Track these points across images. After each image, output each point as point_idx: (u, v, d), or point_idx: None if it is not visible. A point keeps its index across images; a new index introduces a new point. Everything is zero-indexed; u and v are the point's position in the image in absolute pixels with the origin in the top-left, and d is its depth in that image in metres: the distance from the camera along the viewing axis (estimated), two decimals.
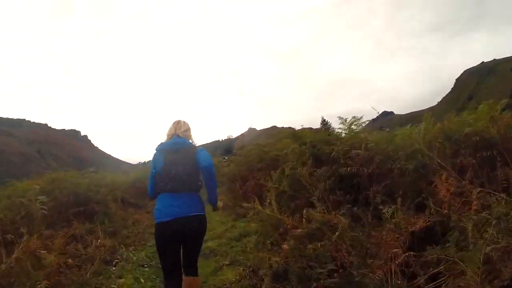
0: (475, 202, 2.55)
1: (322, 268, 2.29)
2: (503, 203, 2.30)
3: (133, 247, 4.94)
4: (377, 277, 2.12)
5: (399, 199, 2.79)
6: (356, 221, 3.00)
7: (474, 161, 3.01)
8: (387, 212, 2.71)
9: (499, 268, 1.84)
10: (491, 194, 2.54)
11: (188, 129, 2.54)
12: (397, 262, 2.27)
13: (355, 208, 3.18)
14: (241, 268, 3.43)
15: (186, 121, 2.59)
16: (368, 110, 4.61)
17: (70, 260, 3.55)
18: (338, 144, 3.96)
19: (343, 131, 4.52)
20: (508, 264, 1.83)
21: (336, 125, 5.32)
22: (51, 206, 4.88)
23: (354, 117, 4.24)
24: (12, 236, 3.37)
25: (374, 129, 6.10)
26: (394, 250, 2.18)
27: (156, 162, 2.39)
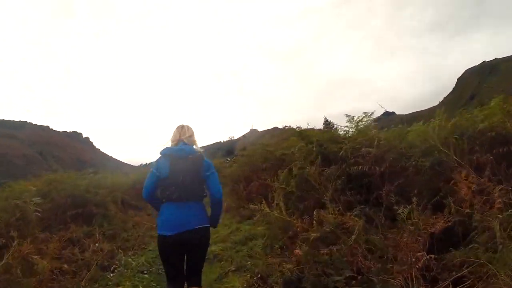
0: (498, 200, 2.44)
1: (339, 275, 2.10)
2: None
3: (132, 252, 4.73)
4: (397, 283, 1.94)
5: (415, 199, 2.64)
6: (369, 223, 2.84)
7: (491, 157, 2.87)
8: (403, 212, 2.56)
9: None
10: None
11: (192, 135, 2.48)
12: (417, 266, 2.11)
13: (367, 209, 3.01)
14: (249, 275, 3.19)
15: (190, 126, 2.54)
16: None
17: (65, 266, 3.37)
18: (346, 143, 3.81)
19: (350, 129, 4.38)
20: None
21: (339, 124, 5.19)
22: (47, 208, 4.73)
23: (365, 113, 4.09)
24: (3, 240, 3.18)
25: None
26: (418, 254, 1.99)
27: (161, 167, 2.29)
